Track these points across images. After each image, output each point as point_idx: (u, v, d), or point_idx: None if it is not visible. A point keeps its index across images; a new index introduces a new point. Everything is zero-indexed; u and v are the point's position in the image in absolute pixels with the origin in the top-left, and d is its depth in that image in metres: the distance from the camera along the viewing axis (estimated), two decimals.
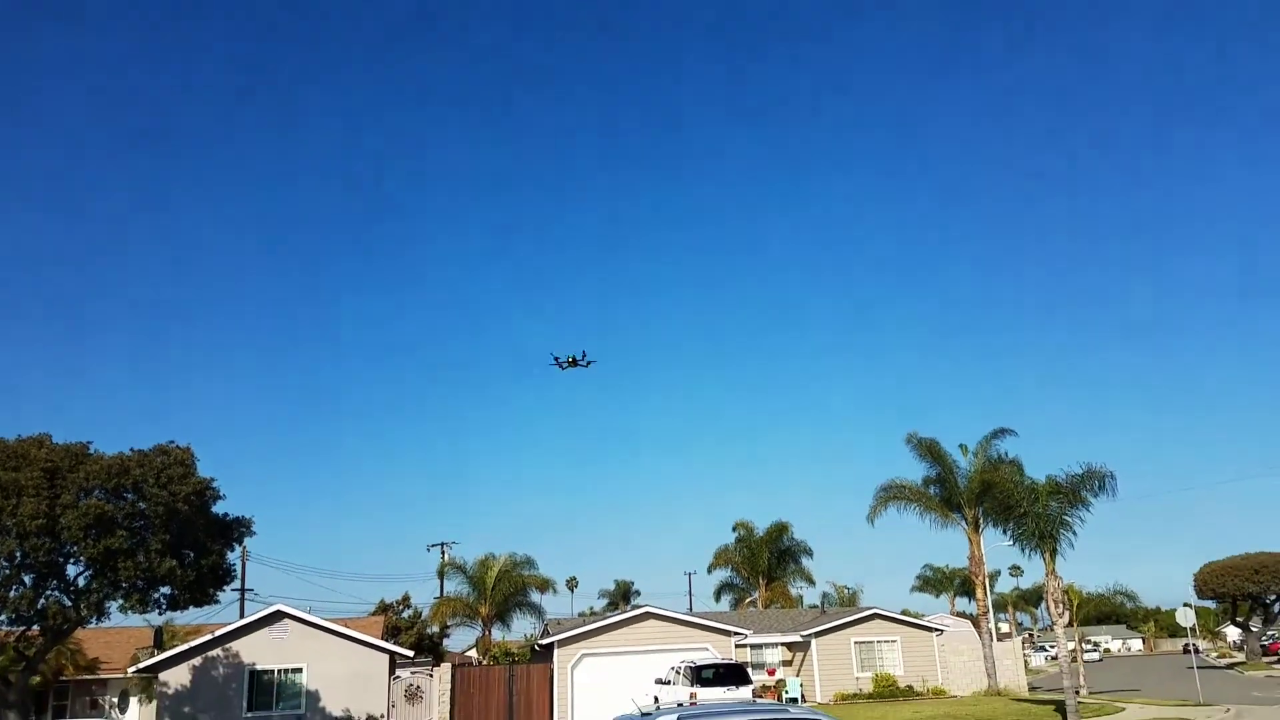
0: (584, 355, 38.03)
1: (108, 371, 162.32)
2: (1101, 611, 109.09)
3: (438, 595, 54.54)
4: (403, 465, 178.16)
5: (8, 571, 25.42)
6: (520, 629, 57.55)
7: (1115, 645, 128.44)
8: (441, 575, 55.59)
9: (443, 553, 58.32)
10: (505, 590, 49.74)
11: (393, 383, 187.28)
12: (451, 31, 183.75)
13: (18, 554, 24.87)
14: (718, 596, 65.18)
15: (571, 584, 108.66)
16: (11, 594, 25.12)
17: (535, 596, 53.16)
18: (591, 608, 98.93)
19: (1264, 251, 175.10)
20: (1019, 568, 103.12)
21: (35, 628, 27.24)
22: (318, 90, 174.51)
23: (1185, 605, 38.15)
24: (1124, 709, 31.47)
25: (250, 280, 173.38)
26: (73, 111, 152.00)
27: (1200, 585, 67.12)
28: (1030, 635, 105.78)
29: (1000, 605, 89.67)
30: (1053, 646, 69.93)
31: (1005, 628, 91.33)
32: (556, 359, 38.26)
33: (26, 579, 25.84)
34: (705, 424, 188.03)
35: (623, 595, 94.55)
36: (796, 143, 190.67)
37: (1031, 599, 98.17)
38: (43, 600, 25.73)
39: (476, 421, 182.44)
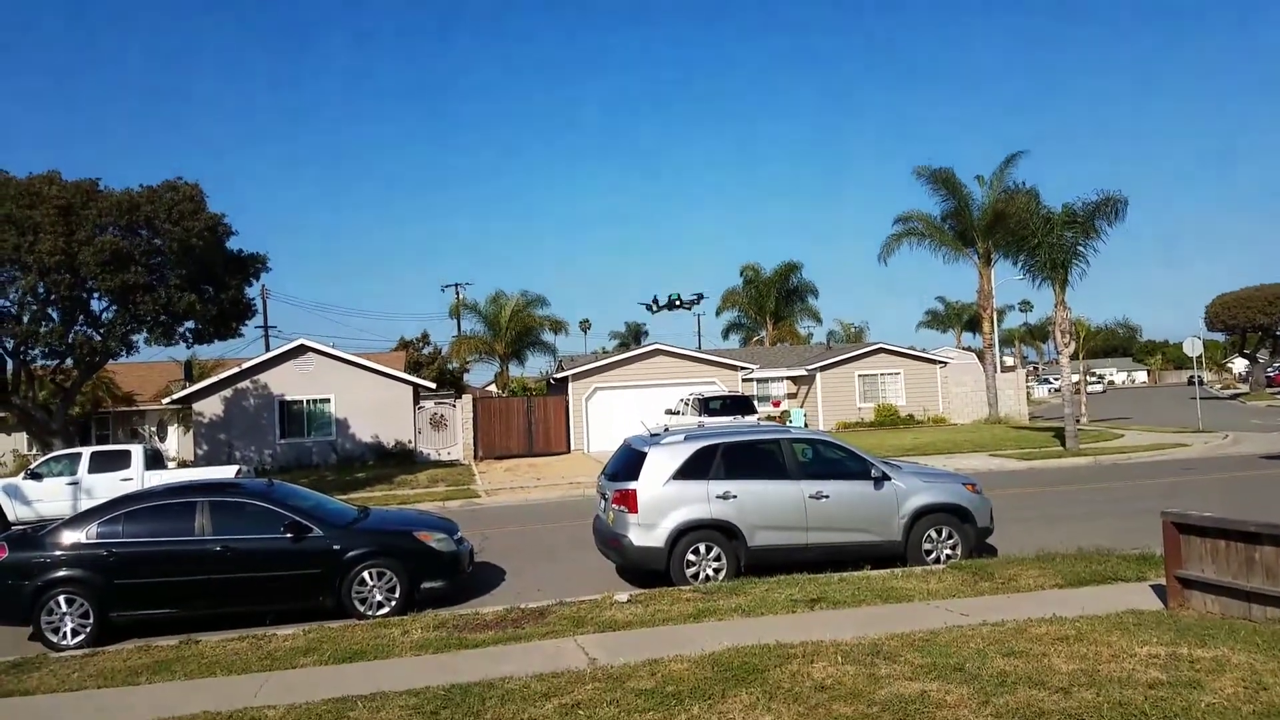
0: (695, 299, 33.52)
1: (111, 108, 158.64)
2: (1109, 345, 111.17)
3: (455, 334, 56.01)
4: (416, 205, 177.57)
5: (34, 308, 26.10)
6: (535, 366, 59.61)
7: (1120, 378, 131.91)
8: (458, 315, 56.82)
9: (457, 293, 59.21)
10: (519, 328, 50.97)
11: (402, 123, 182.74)
12: None
13: (41, 289, 25.40)
14: (725, 335, 66.72)
15: (584, 325, 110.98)
16: (42, 329, 25.92)
17: (549, 336, 54.57)
18: (604, 348, 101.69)
19: None
20: (1029, 303, 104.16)
21: (69, 362, 28.26)
22: None
23: (1194, 337, 38.46)
24: (1122, 435, 32.70)
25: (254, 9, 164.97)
26: None
27: (1211, 317, 67.33)
28: (1035, 368, 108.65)
29: (1007, 340, 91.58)
30: (1057, 379, 72.08)
31: (1010, 361, 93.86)
32: (654, 301, 33.36)
33: (54, 314, 26.56)
34: (712, 164, 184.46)
35: (634, 336, 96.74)
36: None
37: (1039, 335, 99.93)
38: (71, 335, 26.50)
39: (485, 158, 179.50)
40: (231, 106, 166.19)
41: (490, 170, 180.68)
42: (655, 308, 32.41)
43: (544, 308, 52.56)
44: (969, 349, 68.63)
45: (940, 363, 44.27)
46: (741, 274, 60.17)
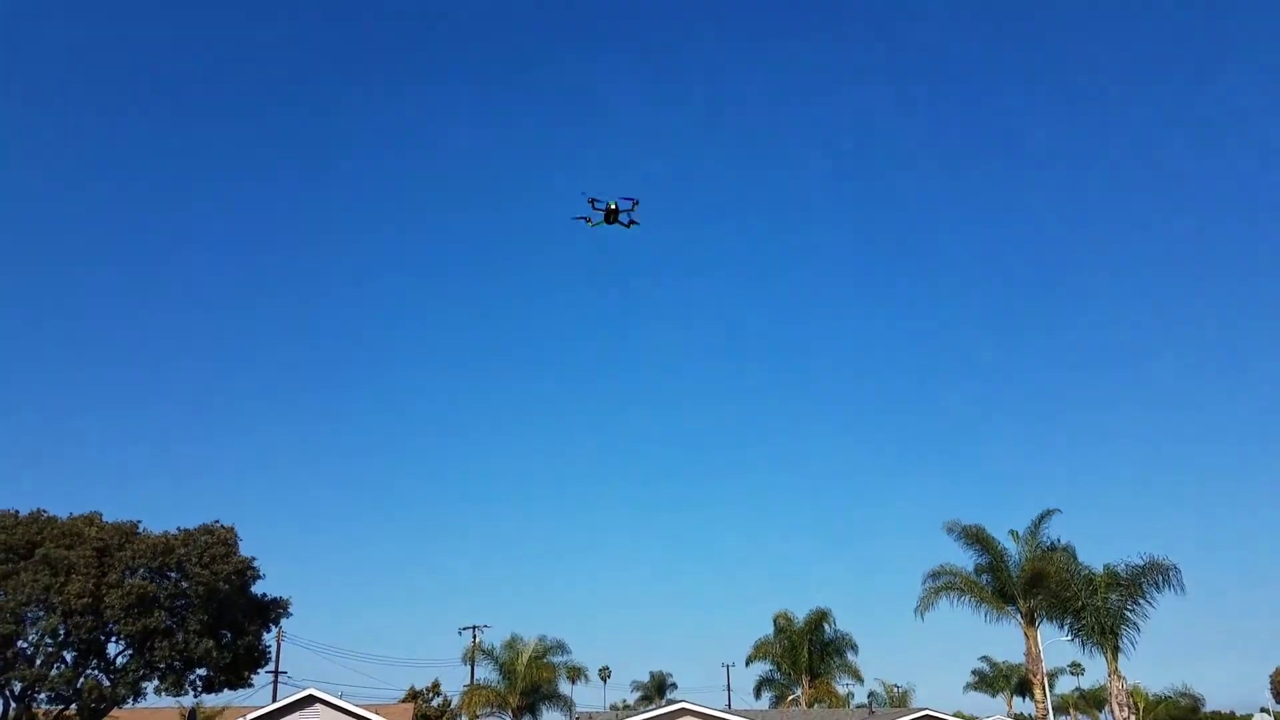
0: (630, 206, 26.02)
1: (151, 453, 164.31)
2: (1172, 715, 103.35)
3: (468, 682, 53.43)
4: (438, 545, 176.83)
5: (50, 649, 25.52)
6: None
7: None
8: (472, 661, 54.46)
9: (474, 636, 57.31)
10: (535, 677, 48.28)
11: (428, 464, 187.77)
12: None
13: (61, 631, 25.01)
14: (757, 693, 62.23)
15: (604, 674, 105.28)
16: (52, 673, 25.16)
17: (566, 686, 51.72)
18: (625, 700, 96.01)
19: None
20: (1079, 665, 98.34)
21: (73, 708, 27.13)
22: None
23: (1262, 710, 35.99)
24: None
25: (282, 367, 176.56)
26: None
27: (1277, 687, 63.73)
28: None
29: (1061, 707, 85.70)
30: None
31: None
32: (592, 204, 26.16)
33: (67, 657, 25.88)
34: (741, 515, 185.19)
35: (657, 688, 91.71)
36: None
37: (1094, 701, 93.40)
38: (81, 680, 25.66)
39: (512, 507, 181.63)
40: (257, 445, 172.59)
41: (514, 515, 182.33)
42: (592, 221, 25.74)
43: (562, 655, 50.16)
44: (1021, 716, 64.22)
45: None
46: (774, 622, 57.72)
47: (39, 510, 27.18)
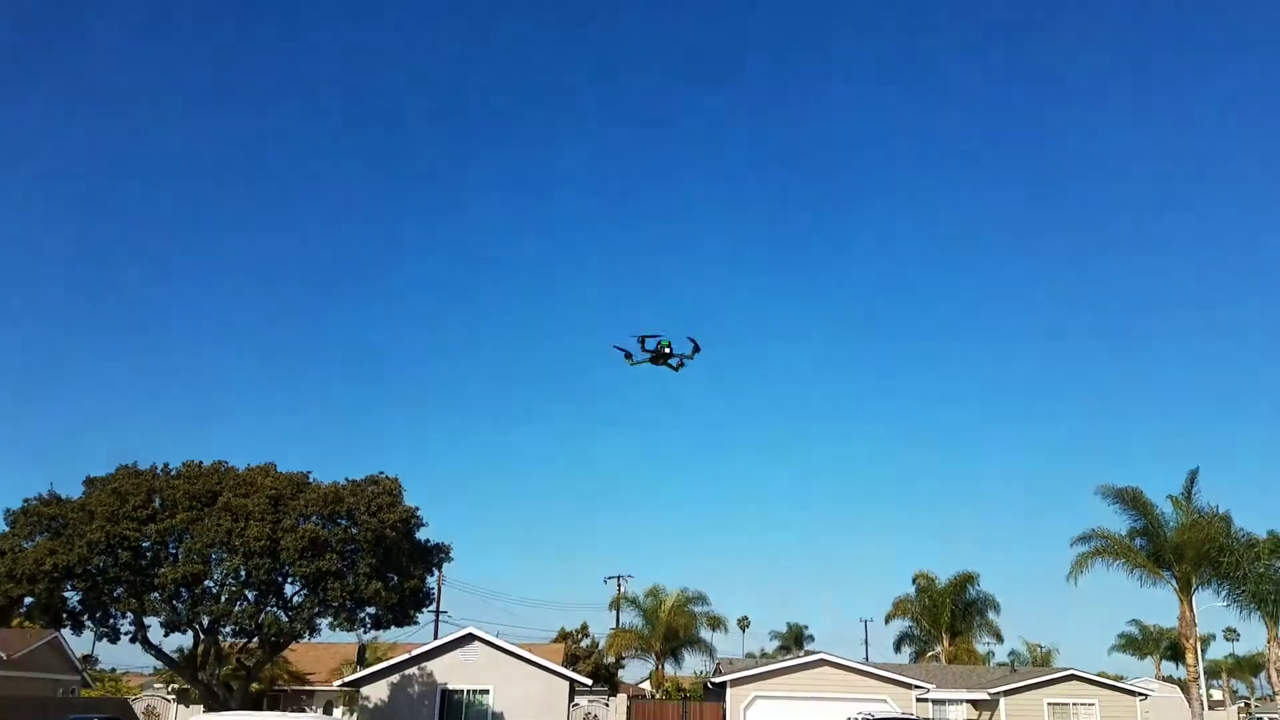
0: (687, 351, 23.58)
1: (322, 410, 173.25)
2: None
3: (614, 628, 55.64)
4: (587, 497, 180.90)
5: (234, 588, 27.98)
6: (691, 665, 57.77)
7: None
8: (617, 608, 56.70)
9: (619, 585, 59.44)
10: (677, 625, 50.22)
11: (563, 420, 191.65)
12: None
13: (243, 571, 27.34)
14: (897, 648, 62.38)
15: (743, 623, 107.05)
16: (237, 608, 27.62)
17: (707, 633, 53.40)
18: (763, 649, 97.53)
19: None
20: (1234, 631, 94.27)
21: (255, 640, 29.73)
22: None
23: None
24: None
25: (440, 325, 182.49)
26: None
27: None
28: (1247, 705, 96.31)
29: (1213, 672, 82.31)
30: (1271, 718, 63.71)
31: (1218, 695, 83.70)
32: (637, 346, 23.89)
33: (250, 595, 28.33)
34: (883, 471, 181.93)
35: (795, 638, 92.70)
36: None
37: (1249, 667, 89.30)
38: (262, 615, 28.07)
39: (652, 459, 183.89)
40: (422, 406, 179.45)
41: (663, 471, 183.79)
42: (634, 359, 23.57)
43: (703, 605, 51.88)
44: (1170, 679, 62.14)
45: (1140, 694, 40.22)
46: (914, 581, 57.52)
47: (220, 462, 29.55)
